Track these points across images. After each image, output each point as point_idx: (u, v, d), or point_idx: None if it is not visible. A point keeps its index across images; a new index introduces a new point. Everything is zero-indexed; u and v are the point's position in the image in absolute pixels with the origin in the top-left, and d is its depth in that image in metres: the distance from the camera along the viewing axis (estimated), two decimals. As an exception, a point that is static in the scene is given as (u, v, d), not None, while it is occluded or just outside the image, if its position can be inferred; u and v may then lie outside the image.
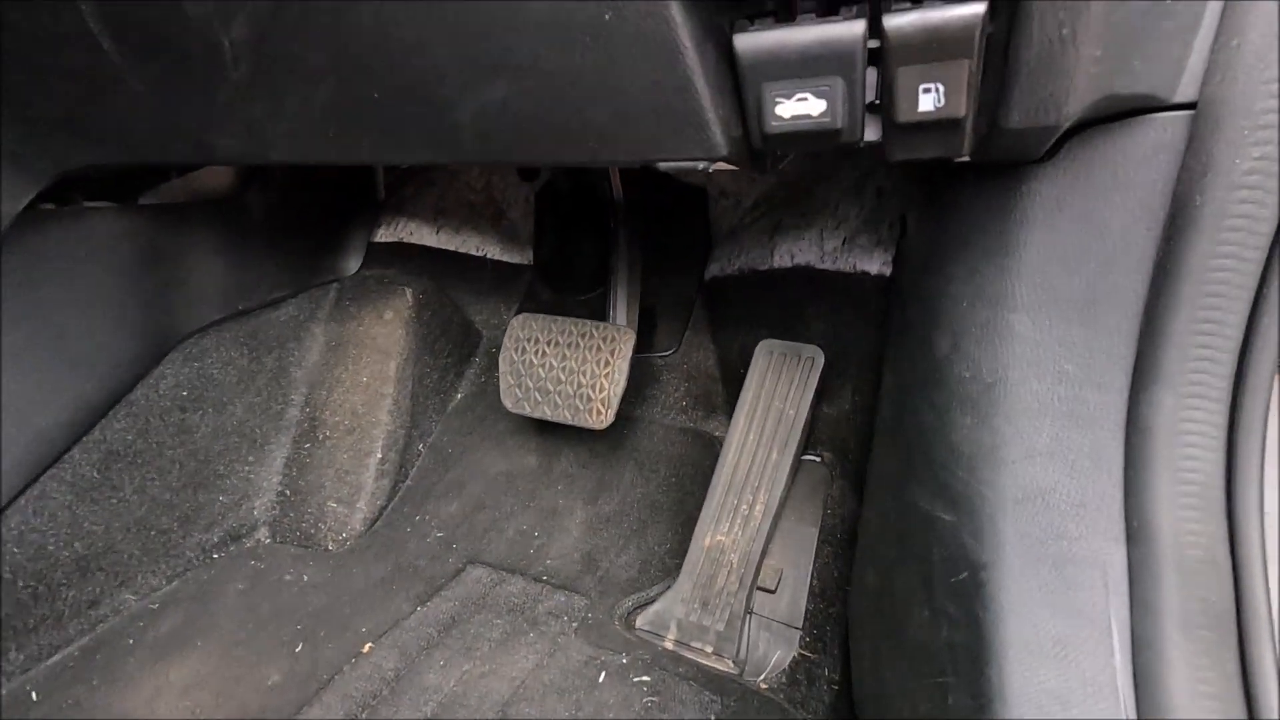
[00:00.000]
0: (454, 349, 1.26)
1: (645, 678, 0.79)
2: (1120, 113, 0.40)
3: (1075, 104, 0.34)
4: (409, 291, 1.18)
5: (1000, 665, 0.46)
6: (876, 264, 0.94)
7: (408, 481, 1.15)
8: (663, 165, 0.45)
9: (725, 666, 0.82)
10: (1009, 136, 0.37)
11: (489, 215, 1.40)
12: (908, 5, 0.33)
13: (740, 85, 0.38)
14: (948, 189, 0.55)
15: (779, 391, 0.87)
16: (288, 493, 1.10)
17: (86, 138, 0.68)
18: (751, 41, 0.36)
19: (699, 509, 1.00)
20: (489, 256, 1.37)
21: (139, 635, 0.88)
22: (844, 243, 0.99)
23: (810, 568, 0.89)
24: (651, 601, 0.90)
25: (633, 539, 0.99)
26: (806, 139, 0.39)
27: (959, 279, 0.53)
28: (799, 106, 0.37)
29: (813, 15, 0.37)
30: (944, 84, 0.35)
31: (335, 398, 1.14)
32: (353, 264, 1.23)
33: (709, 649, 0.84)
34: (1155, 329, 0.45)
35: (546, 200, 1.35)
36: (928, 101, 0.35)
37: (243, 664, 0.83)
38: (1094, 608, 0.45)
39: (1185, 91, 0.39)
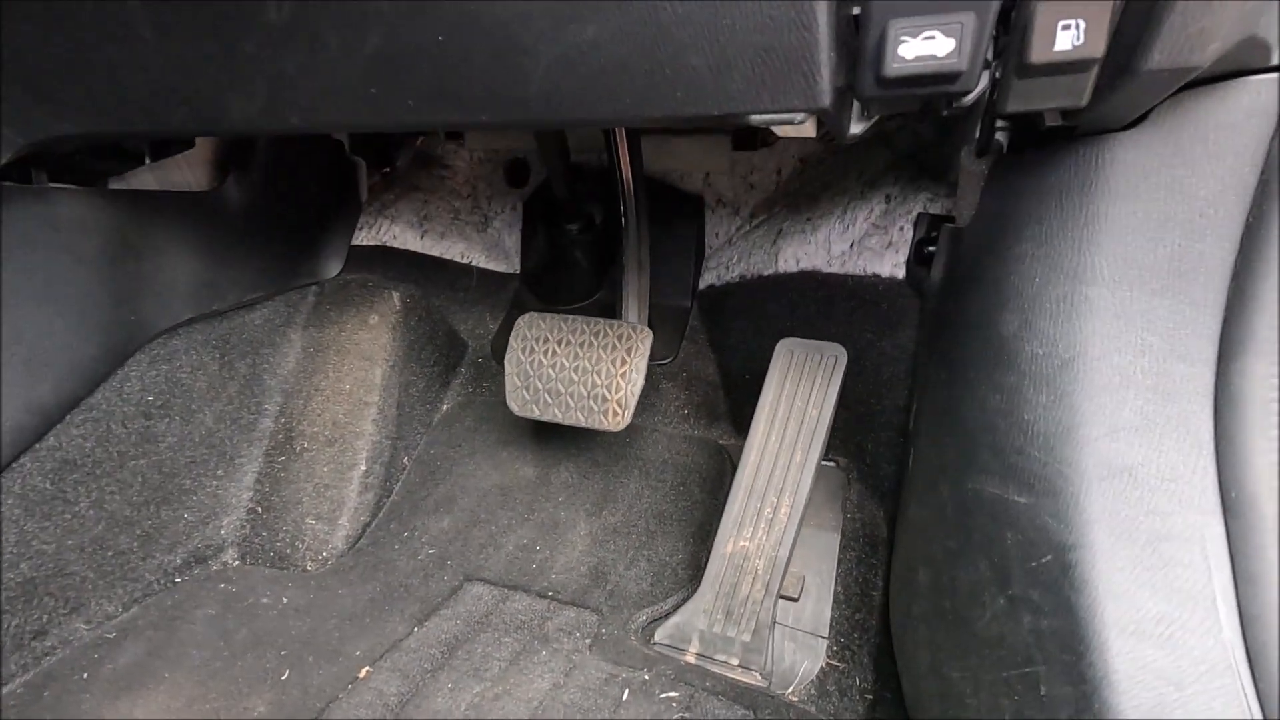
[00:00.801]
0: (440, 357, 1.20)
1: (673, 694, 0.74)
2: (1219, 75, 0.40)
3: (1219, 44, 0.34)
4: (396, 295, 1.12)
5: (1103, 649, 0.44)
6: (888, 266, 0.94)
7: (393, 496, 1.07)
8: (755, 119, 0.43)
9: (753, 679, 0.78)
10: (1135, 81, 0.36)
11: (475, 222, 1.36)
12: (1060, -67, 0.32)
13: (864, 21, 0.36)
14: (1009, 172, 0.55)
15: (800, 392, 0.85)
16: (259, 510, 1.01)
17: (68, 101, 0.61)
18: (883, -28, 0.35)
19: (709, 518, 0.96)
20: (474, 264, 1.32)
21: (94, 669, 0.78)
22: (852, 246, 0.99)
23: (834, 574, 0.86)
24: (668, 614, 0.86)
25: (642, 550, 0.94)
26: (926, 81, 0.37)
27: (1029, 257, 0.52)
28: (925, 46, 0.36)
29: (934, -44, 0.36)
30: (1085, 19, 0.33)
31: (314, 407, 1.06)
32: (333, 266, 1.16)
33: (735, 661, 0.79)
34: (1245, 298, 0.44)
35: (535, 208, 1.31)
36: (1065, 40, 0.34)
37: (221, 696, 0.74)
38: (1196, 584, 0.44)
39: (1287, 51, 0.39)
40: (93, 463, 0.83)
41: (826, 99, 0.40)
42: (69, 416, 0.81)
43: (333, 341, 1.09)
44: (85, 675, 0.76)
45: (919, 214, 0.91)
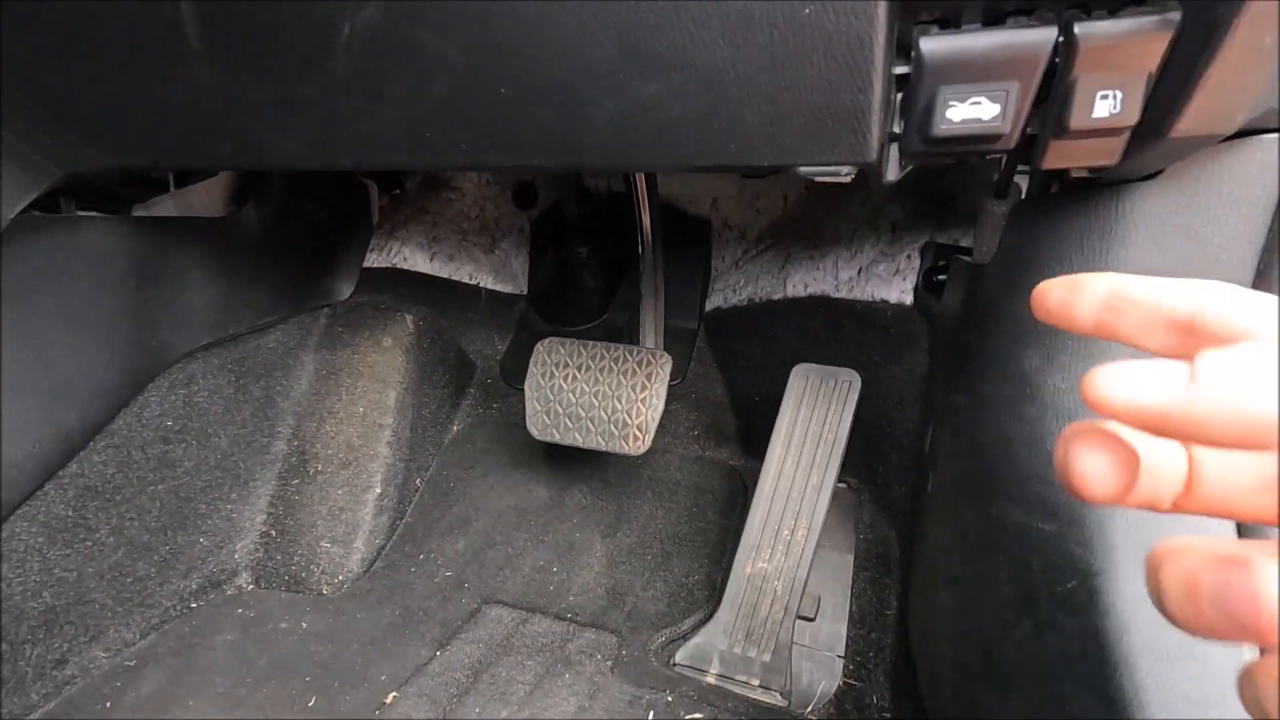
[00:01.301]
0: (451, 379, 1.21)
1: (697, 715, 0.75)
2: (1233, 134, 0.43)
3: (1245, 115, 0.37)
4: (409, 318, 1.13)
5: (1130, 672, 0.47)
6: (895, 292, 0.97)
7: (406, 518, 1.08)
8: (802, 170, 0.45)
9: (774, 699, 0.80)
10: (1164, 144, 0.39)
11: (483, 244, 1.37)
12: (1102, 13, 0.35)
13: (914, 88, 0.39)
14: (1031, 216, 0.58)
15: (816, 416, 0.87)
16: (273, 533, 1.01)
17: (111, 135, 0.62)
18: (937, 44, 0.37)
19: (723, 539, 0.98)
20: (482, 285, 1.34)
21: (117, 697, 0.77)
22: (860, 273, 1.02)
23: (849, 594, 0.88)
24: (686, 635, 0.87)
25: (658, 571, 0.96)
26: (970, 141, 0.40)
27: (1049, 294, 0.55)
28: (972, 110, 0.38)
29: (978, 25, 0.38)
30: (1123, 90, 0.36)
31: (327, 430, 1.07)
32: (345, 289, 1.17)
33: (755, 681, 0.81)
34: (1256, 337, 0.47)
35: (544, 230, 1.33)
36: (1103, 108, 0.37)
37: (248, 724, 0.74)
38: (1216, 608, 0.47)
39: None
40: (113, 489, 0.83)
41: (873, 154, 0.42)
42: (91, 443, 0.81)
43: (346, 364, 1.10)
44: (109, 704, 0.76)
45: (926, 243, 0.94)
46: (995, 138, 0.39)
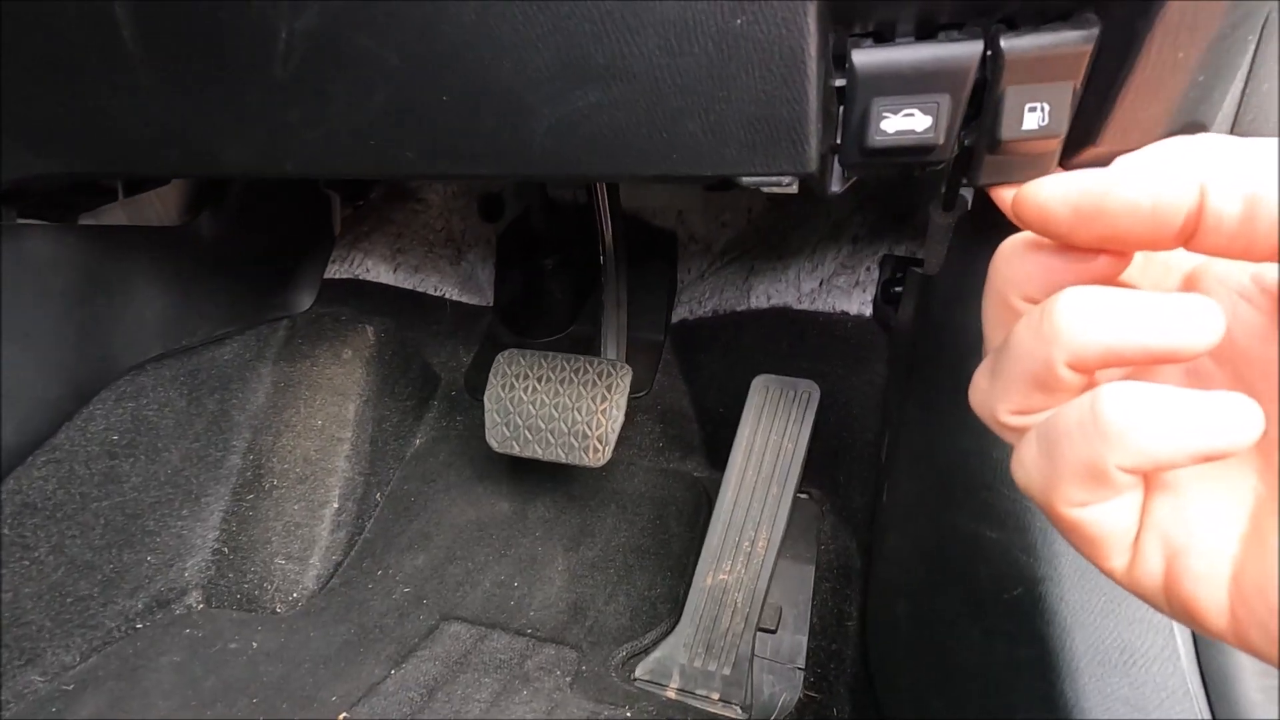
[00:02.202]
0: (414, 392, 1.19)
1: (656, 731, 0.74)
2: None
3: (1164, 128, 0.37)
4: (370, 329, 1.12)
5: (1073, 677, 0.47)
6: (855, 304, 0.98)
7: (365, 534, 1.06)
8: (746, 180, 0.45)
9: (734, 714, 0.79)
10: (1091, 158, 0.40)
11: (449, 255, 1.36)
12: (1029, 28, 0.36)
13: (848, 100, 0.39)
14: (975, 227, 0.59)
15: (776, 427, 0.87)
16: (225, 550, 0.99)
17: (55, 142, 0.60)
18: (869, 57, 0.38)
19: (687, 551, 0.98)
20: (448, 297, 1.33)
21: (52, 724, 0.74)
22: (821, 284, 1.03)
23: (809, 605, 0.88)
24: (647, 649, 0.86)
25: (620, 585, 0.95)
26: (905, 153, 0.40)
27: (994, 304, 0.56)
28: (905, 122, 0.39)
29: (911, 38, 0.39)
30: (1049, 103, 0.37)
31: (284, 444, 1.05)
32: (304, 300, 1.15)
33: (715, 695, 0.80)
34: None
35: (510, 242, 1.33)
36: (1032, 120, 0.38)
37: (190, 748, 0.72)
38: (1155, 613, 0.47)
39: (1221, 128, 0.43)
40: (54, 506, 0.80)
41: (813, 164, 0.43)
42: (30, 458, 0.78)
43: (304, 376, 1.08)
44: (42, 731, 0.73)
45: (884, 255, 0.95)
46: (929, 149, 0.40)
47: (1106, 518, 0.20)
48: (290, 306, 1.14)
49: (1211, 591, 0.20)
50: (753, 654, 0.82)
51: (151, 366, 0.92)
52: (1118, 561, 0.21)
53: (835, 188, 0.50)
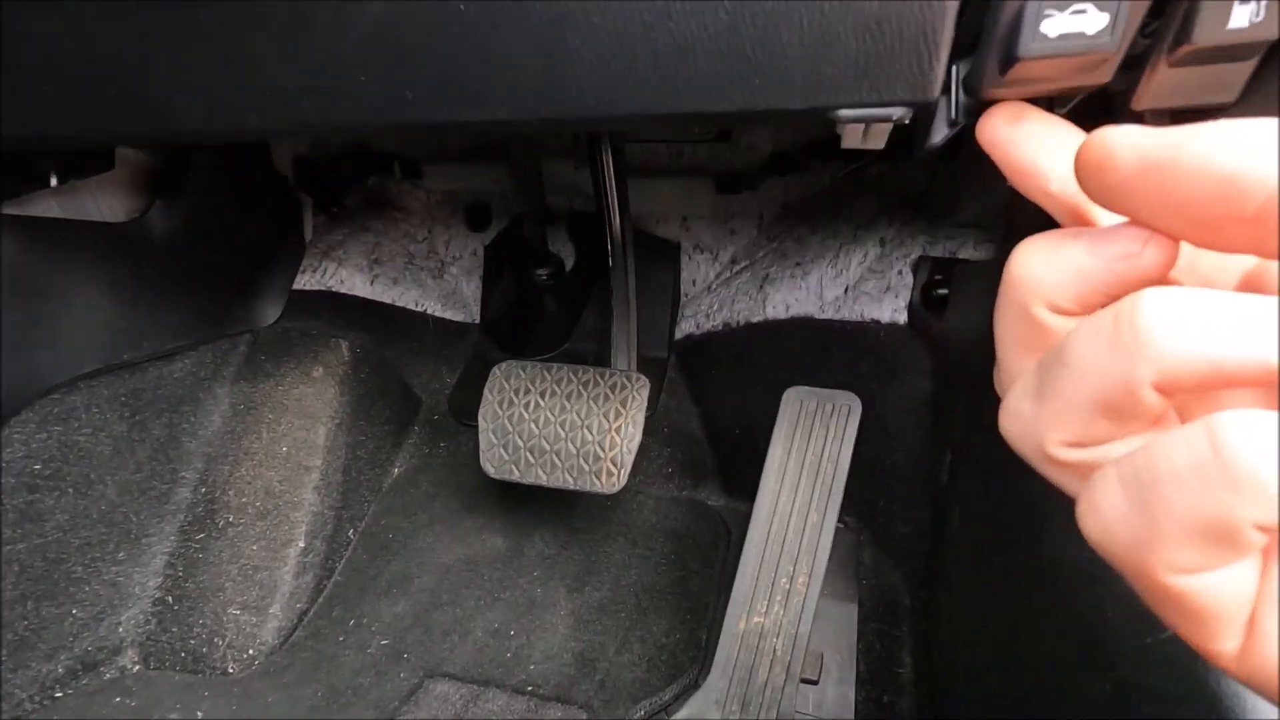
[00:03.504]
0: (392, 415, 1.07)
1: (690, 810, 0.62)
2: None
3: None
4: (345, 345, 1.00)
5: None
6: (888, 311, 0.90)
7: (336, 577, 0.92)
8: (845, 114, 0.36)
9: (778, 784, 0.67)
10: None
11: (430, 268, 1.25)
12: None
13: (996, -5, 0.30)
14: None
15: (813, 446, 0.77)
16: (169, 599, 0.84)
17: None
18: (1035, -71, 0.29)
19: (706, 590, 0.86)
20: (430, 313, 1.21)
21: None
22: (847, 291, 0.94)
23: (854, 651, 0.77)
24: (670, 706, 0.74)
25: (634, 631, 0.83)
26: (1062, 68, 0.31)
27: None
28: (1073, 21, 0.30)
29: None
30: (1270, -8, 0.28)
31: (243, 474, 0.91)
32: (270, 313, 1.03)
33: (755, 762, 0.68)
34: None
35: (499, 253, 1.23)
36: (1242, 15, 0.29)
37: None
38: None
39: None
40: (-47, 549, 0.66)
41: (937, 88, 0.34)
42: None
43: (268, 398, 0.95)
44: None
45: (920, 257, 0.87)
46: (1096, 62, 0.31)
47: (1222, 587, 0.16)
48: (253, 319, 1.01)
49: None
50: (795, 710, 0.70)
51: (85, 384, 0.79)
52: (1229, 644, 0.17)
53: (936, 138, 0.41)
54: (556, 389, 0.79)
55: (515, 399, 0.80)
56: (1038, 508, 0.51)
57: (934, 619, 0.71)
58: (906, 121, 0.36)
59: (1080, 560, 0.47)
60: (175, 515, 0.89)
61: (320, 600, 0.89)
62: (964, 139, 0.39)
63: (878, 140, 0.43)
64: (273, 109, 0.44)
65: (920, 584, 0.78)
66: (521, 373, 0.81)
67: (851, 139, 0.43)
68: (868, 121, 0.37)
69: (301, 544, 0.89)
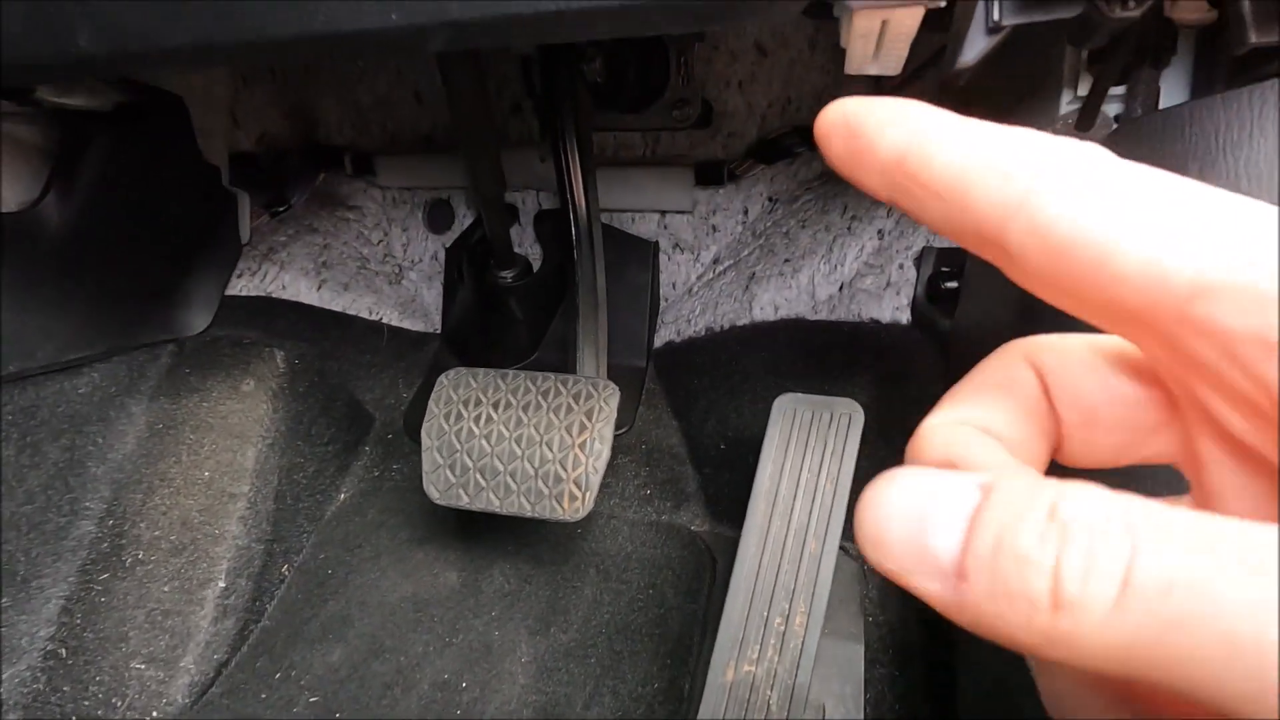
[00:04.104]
0: (338, 434, 0.95)
1: None
2: None
3: None
4: (279, 355, 0.89)
5: None
6: (888, 309, 0.80)
7: (264, 621, 0.80)
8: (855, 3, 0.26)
9: None
10: None
11: (387, 272, 1.15)
12: None
13: None
14: (1135, 143, 0.41)
15: (809, 461, 0.67)
16: (63, 652, 0.72)
17: None
18: None
19: (688, 628, 0.75)
20: (385, 321, 1.10)
21: None
22: (842, 289, 0.85)
23: (861, 699, 0.66)
24: (646, 774, 0.63)
25: (605, 680, 0.72)
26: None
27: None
28: None
29: None
30: None
31: (156, 503, 0.80)
32: (198, 320, 0.91)
33: (748, 843, 0.57)
34: None
35: (460, 255, 1.12)
36: None
37: None
38: None
39: None
40: None
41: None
42: None
43: (190, 415, 0.84)
44: None
45: (924, 249, 0.78)
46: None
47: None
48: (177, 327, 0.90)
49: None
50: (795, 777, 0.59)
51: (-40, 400, 0.68)
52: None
53: (970, 53, 0.31)
54: (512, 399, 0.68)
55: (464, 412, 0.69)
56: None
57: (962, 664, 0.61)
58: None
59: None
60: (75, 553, 0.77)
61: (243, 649, 0.77)
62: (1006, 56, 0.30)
63: (891, 61, 0.33)
64: (104, 28, 0.33)
65: (936, 619, 0.67)
66: (472, 381, 0.70)
67: (860, 60, 0.33)
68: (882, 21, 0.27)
69: (222, 583, 0.77)
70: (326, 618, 0.79)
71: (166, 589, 0.76)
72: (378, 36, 0.31)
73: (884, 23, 0.31)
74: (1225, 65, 0.40)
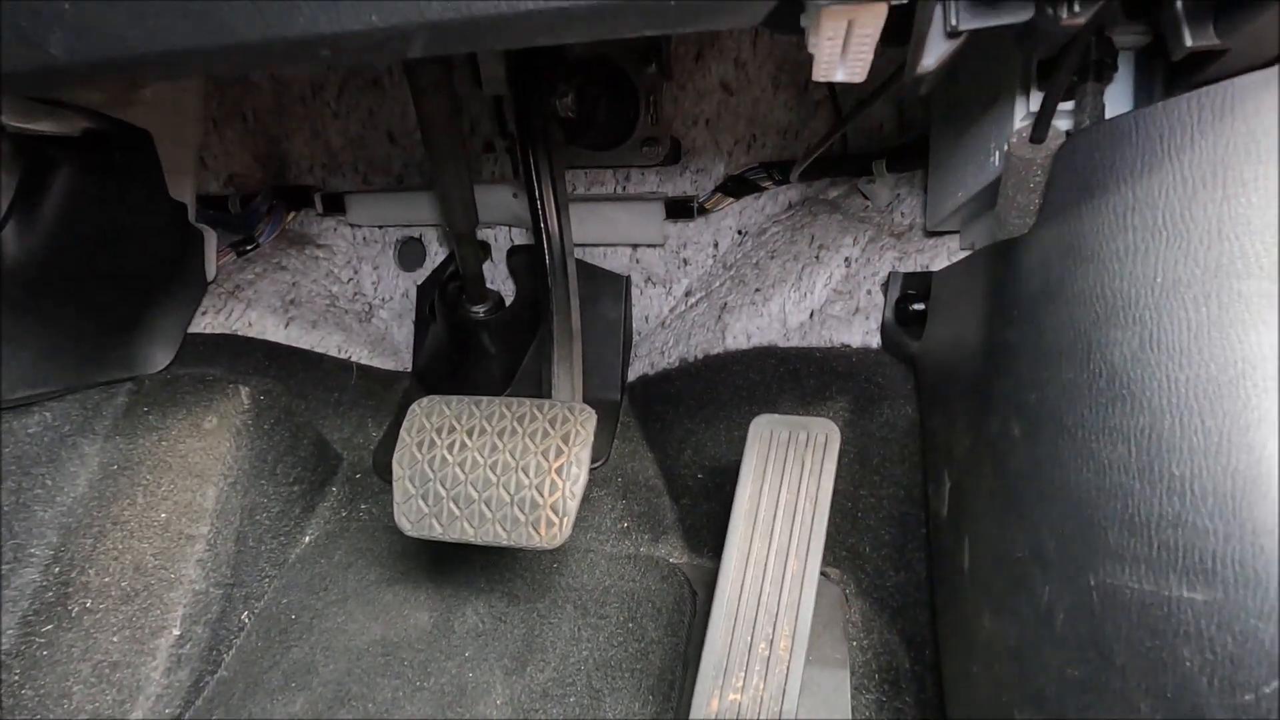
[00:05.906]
0: (304, 474, 0.92)
1: None
2: None
3: None
4: (244, 391, 0.86)
5: None
6: (858, 334, 0.82)
7: (220, 672, 0.76)
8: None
9: None
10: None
11: (357, 310, 1.13)
12: None
13: None
14: (1090, 149, 0.43)
15: (788, 482, 0.67)
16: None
17: None
18: None
19: (670, 663, 0.73)
20: (354, 360, 1.08)
21: None
22: (812, 315, 0.86)
23: (849, 729, 0.64)
24: (630, 817, 0.60)
25: (586, 719, 0.69)
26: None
27: (1139, 253, 0.39)
28: None
29: None
30: None
31: (108, 547, 0.76)
32: (159, 358, 0.89)
33: None
34: None
35: (432, 292, 1.12)
36: None
37: None
38: None
39: None
40: None
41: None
42: None
43: (148, 455, 0.81)
44: None
45: (890, 274, 0.80)
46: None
47: None
48: (136, 364, 0.87)
49: None
50: (785, 811, 0.57)
51: (-101, 438, 0.64)
52: None
53: (929, 58, 0.33)
54: (487, 425, 0.67)
55: (438, 439, 0.67)
56: (1084, 529, 0.42)
57: (949, 684, 0.60)
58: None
59: (1140, 593, 0.37)
60: (16, 603, 0.72)
61: (197, 703, 0.72)
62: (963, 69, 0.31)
63: (856, 68, 0.35)
64: (78, 33, 0.33)
65: (923, 642, 0.66)
66: (445, 409, 0.69)
67: (826, 65, 0.35)
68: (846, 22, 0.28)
69: (177, 631, 0.73)
70: (289, 666, 0.75)
71: (115, 639, 0.71)
72: (358, 39, 0.32)
73: (850, 23, 0.32)
74: (1163, 79, 0.43)
